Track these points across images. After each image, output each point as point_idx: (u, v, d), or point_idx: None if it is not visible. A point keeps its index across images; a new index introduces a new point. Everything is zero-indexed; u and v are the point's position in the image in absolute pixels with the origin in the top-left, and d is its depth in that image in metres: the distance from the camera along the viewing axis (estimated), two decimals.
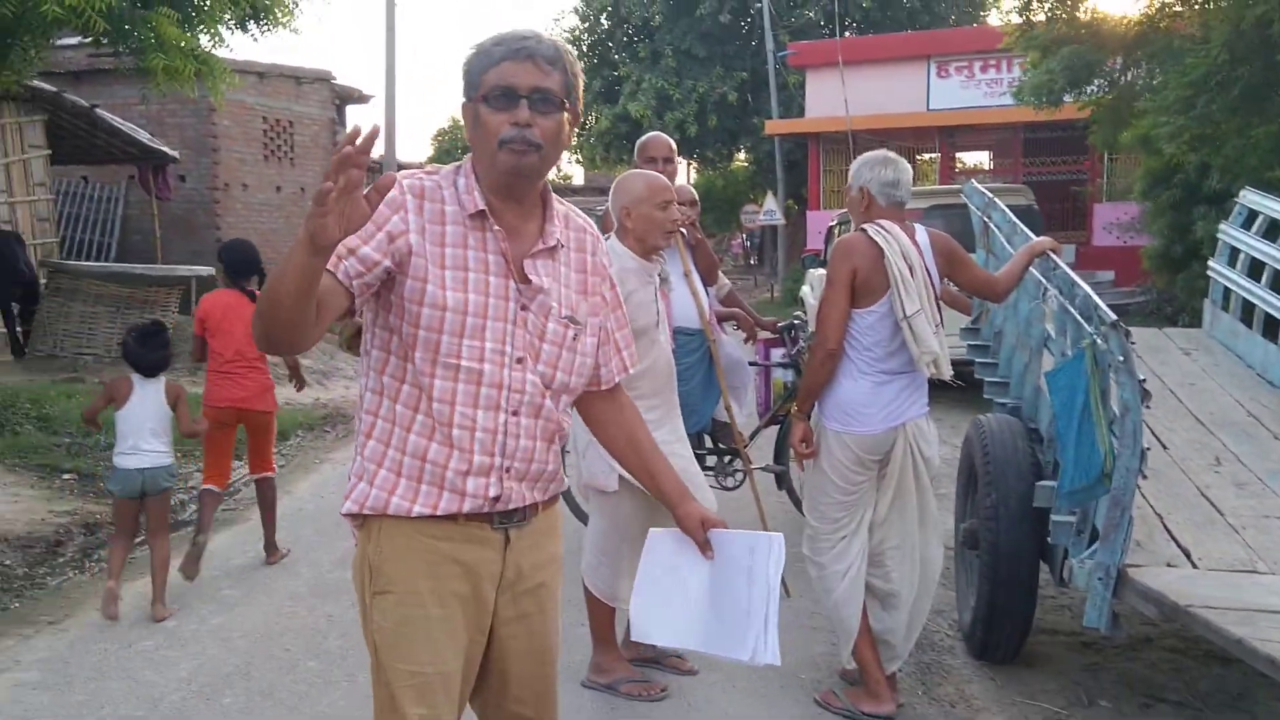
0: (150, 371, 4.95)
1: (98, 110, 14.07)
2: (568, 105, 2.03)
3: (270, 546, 5.71)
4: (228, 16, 8.07)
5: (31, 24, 6.76)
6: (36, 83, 12.02)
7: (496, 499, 2.06)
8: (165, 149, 15.50)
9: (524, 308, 2.06)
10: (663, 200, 3.80)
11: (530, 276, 2.06)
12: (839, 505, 3.80)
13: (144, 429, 4.88)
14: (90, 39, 7.22)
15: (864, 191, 3.81)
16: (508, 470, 2.07)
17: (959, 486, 4.76)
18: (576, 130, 2.25)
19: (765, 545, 2.19)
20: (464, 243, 2.03)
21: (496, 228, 2.04)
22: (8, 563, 5.59)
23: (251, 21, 8.21)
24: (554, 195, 2.16)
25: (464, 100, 2.07)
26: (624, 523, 3.89)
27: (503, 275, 2.04)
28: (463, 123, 2.11)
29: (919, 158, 25.71)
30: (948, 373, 3.77)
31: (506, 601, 2.14)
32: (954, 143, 23.28)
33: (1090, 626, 3.32)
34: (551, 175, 2.19)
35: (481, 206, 2.03)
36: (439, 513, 2.03)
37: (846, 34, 26.92)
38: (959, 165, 26.47)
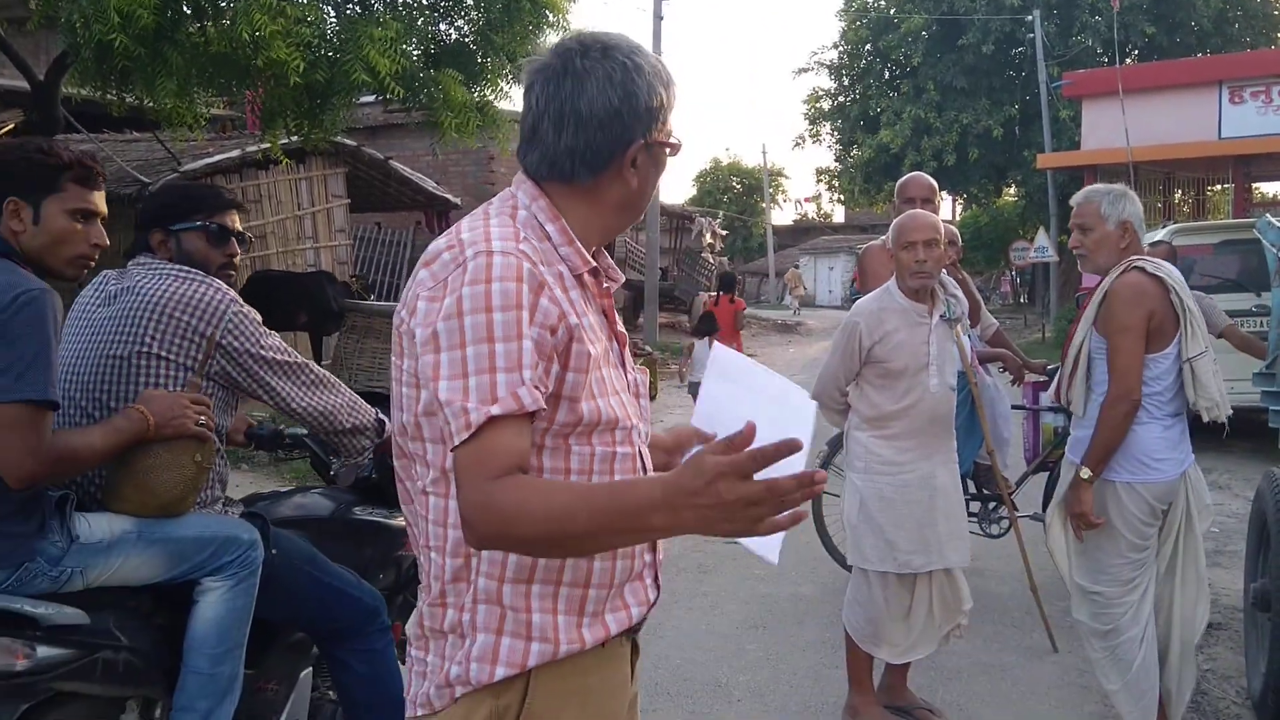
0: None
1: (391, 162, 15.29)
2: None
3: None
4: (507, 71, 8.62)
5: (340, 88, 7.49)
6: (339, 138, 13.20)
7: (653, 603, 1.72)
8: (449, 196, 16.64)
9: (625, 367, 1.72)
10: (905, 241, 3.78)
11: (619, 329, 1.73)
12: (1132, 564, 3.52)
13: None
14: (386, 99, 7.89)
15: (1128, 227, 3.53)
16: (659, 566, 1.74)
17: (1249, 544, 4.42)
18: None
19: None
20: (586, 309, 1.64)
21: (606, 284, 1.71)
22: None
23: None
24: None
25: (632, 138, 1.63)
26: (878, 586, 3.92)
27: (608, 336, 1.68)
28: (612, 160, 1.64)
29: (1210, 189, 24.01)
30: (1228, 410, 3.47)
31: None
32: (1249, 172, 21.55)
33: None
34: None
35: (593, 264, 1.66)
36: (611, 635, 1.65)
37: (1127, 61, 25.59)
38: (1257, 196, 24.53)
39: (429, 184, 16.23)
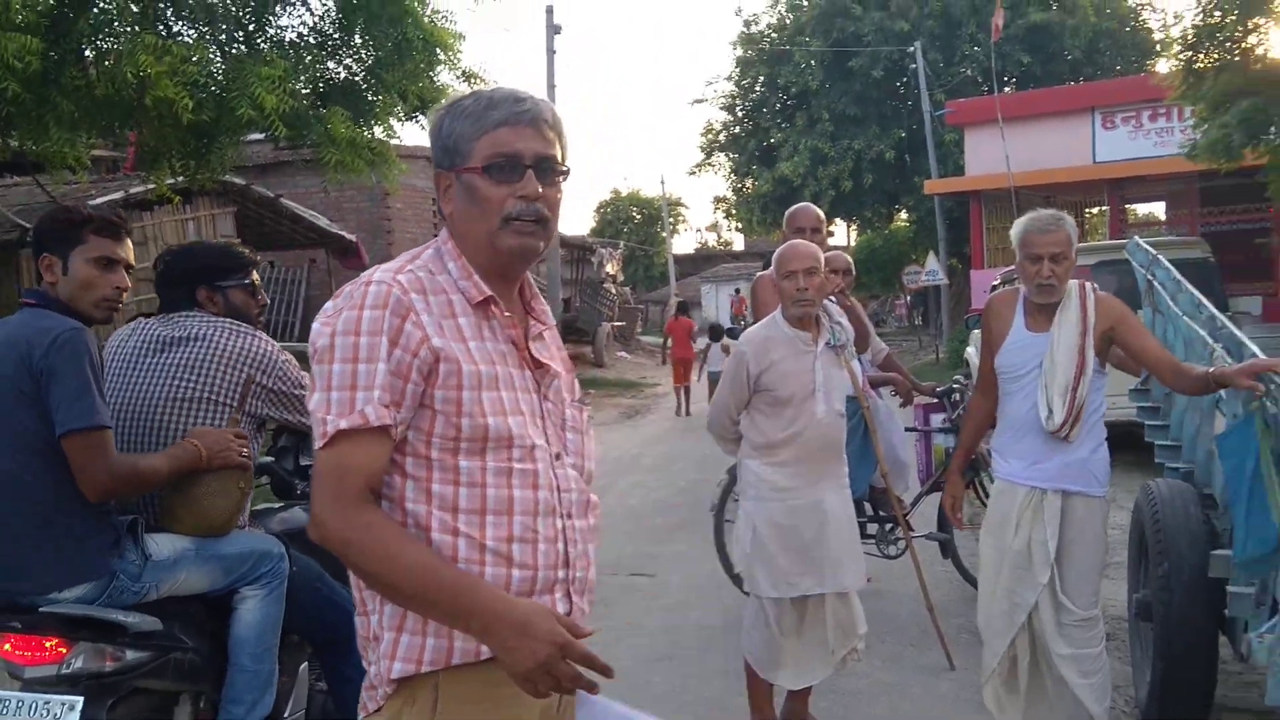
0: None
1: (282, 200, 15.05)
2: (565, 174, 1.83)
3: None
4: (398, 109, 8.59)
5: (227, 126, 7.38)
6: (228, 177, 12.96)
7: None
8: (343, 233, 16.42)
9: (545, 397, 1.84)
10: (786, 270, 3.88)
11: (542, 360, 1.85)
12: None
13: None
14: (274, 138, 7.80)
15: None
16: (573, 583, 1.80)
17: (1130, 556, 4.58)
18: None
19: None
20: (480, 334, 1.76)
21: (508, 314, 1.81)
22: None
23: (420, 114, 8.70)
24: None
25: (440, 169, 1.81)
26: (772, 613, 3.97)
27: (518, 365, 1.80)
28: (437, 195, 1.85)
29: (1088, 211, 24.91)
30: None
31: None
32: (1123, 195, 22.47)
33: (1274, 705, 3.15)
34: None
35: (488, 293, 1.78)
36: None
37: (1006, 89, 26.49)
38: (1131, 217, 25.52)
39: (322, 221, 16.01)
